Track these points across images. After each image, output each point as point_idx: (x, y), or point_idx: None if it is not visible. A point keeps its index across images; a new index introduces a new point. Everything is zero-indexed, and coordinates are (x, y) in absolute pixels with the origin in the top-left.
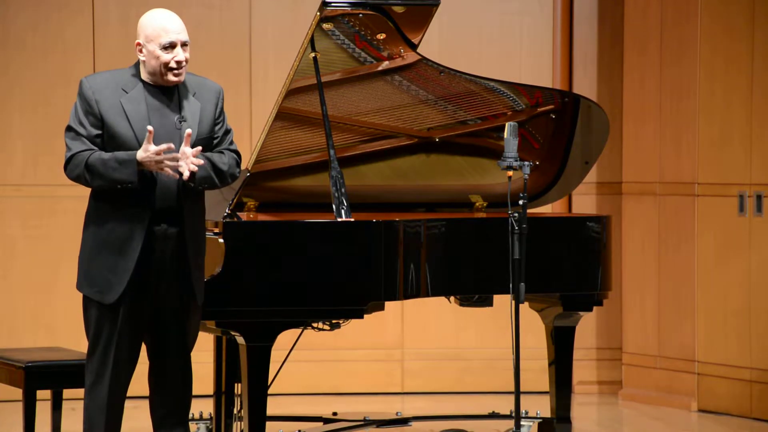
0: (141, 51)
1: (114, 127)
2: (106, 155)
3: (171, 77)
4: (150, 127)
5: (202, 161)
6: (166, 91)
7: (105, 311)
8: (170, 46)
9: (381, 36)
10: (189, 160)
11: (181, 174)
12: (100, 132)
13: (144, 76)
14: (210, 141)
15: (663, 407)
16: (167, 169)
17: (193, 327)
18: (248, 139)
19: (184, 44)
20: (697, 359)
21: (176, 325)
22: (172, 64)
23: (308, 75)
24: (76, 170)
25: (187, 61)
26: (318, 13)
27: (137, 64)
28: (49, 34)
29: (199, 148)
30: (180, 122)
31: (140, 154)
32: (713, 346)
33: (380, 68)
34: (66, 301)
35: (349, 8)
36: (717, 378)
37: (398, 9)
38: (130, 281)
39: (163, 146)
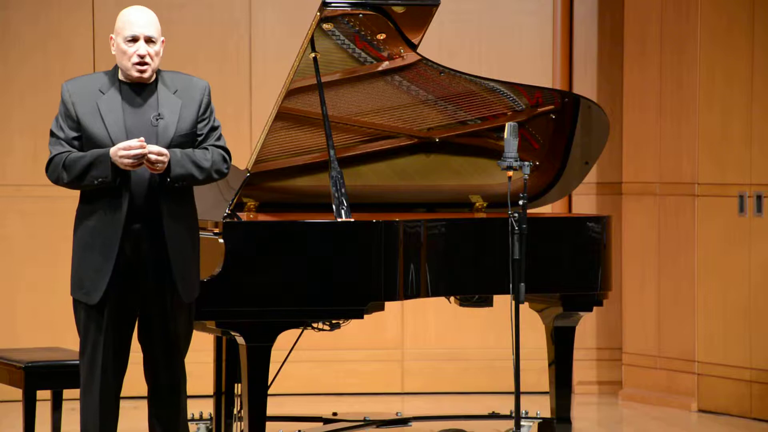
0: (113, 45)
1: (90, 128)
2: (81, 154)
3: (134, 72)
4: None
5: (157, 151)
6: (144, 89)
7: (91, 313)
8: (132, 40)
9: (381, 36)
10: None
11: (156, 172)
12: (78, 134)
13: (121, 75)
14: (192, 138)
15: (663, 407)
16: (128, 165)
17: (182, 327)
18: (248, 139)
19: (148, 39)
20: (697, 359)
21: (163, 325)
22: (134, 58)
23: (308, 75)
24: (55, 172)
25: (151, 57)
26: (318, 13)
27: (116, 66)
28: (49, 31)
29: (142, 138)
30: (156, 119)
31: (112, 150)
32: (713, 346)
33: (380, 68)
34: (66, 301)
35: (349, 8)
36: (717, 378)
37: (398, 9)
38: (111, 281)
39: (133, 142)
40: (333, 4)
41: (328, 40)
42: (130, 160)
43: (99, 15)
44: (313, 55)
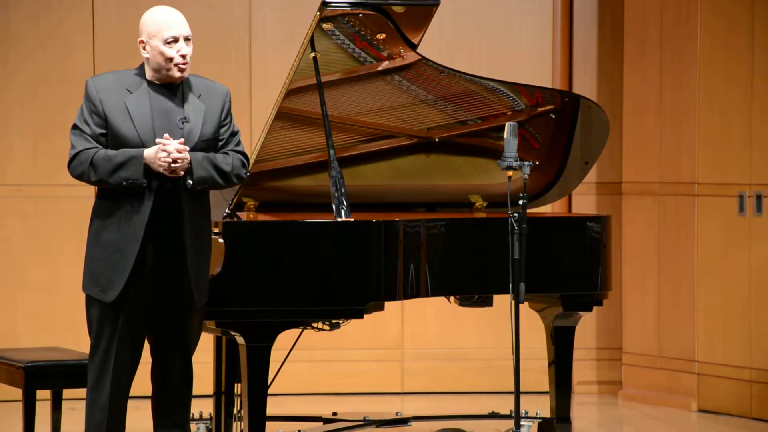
0: (144, 48)
1: (117, 126)
2: (112, 152)
3: (176, 72)
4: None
5: (185, 150)
6: (171, 91)
7: (106, 311)
8: (173, 40)
9: (381, 36)
10: (173, 155)
11: (182, 175)
12: (104, 131)
13: (149, 75)
14: (214, 143)
15: (663, 407)
16: (166, 169)
17: (194, 328)
18: (248, 139)
19: (186, 38)
20: (697, 359)
21: (176, 325)
22: (177, 59)
23: (308, 75)
24: (80, 167)
25: (189, 56)
26: (318, 13)
27: (142, 65)
28: (49, 31)
29: (182, 140)
30: (182, 123)
31: (147, 153)
32: (713, 346)
33: (380, 68)
34: (66, 301)
35: (349, 8)
36: (717, 378)
37: (398, 9)
38: (129, 280)
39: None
40: (333, 4)
41: (328, 40)
42: (168, 162)
43: (99, 15)
44: (313, 54)
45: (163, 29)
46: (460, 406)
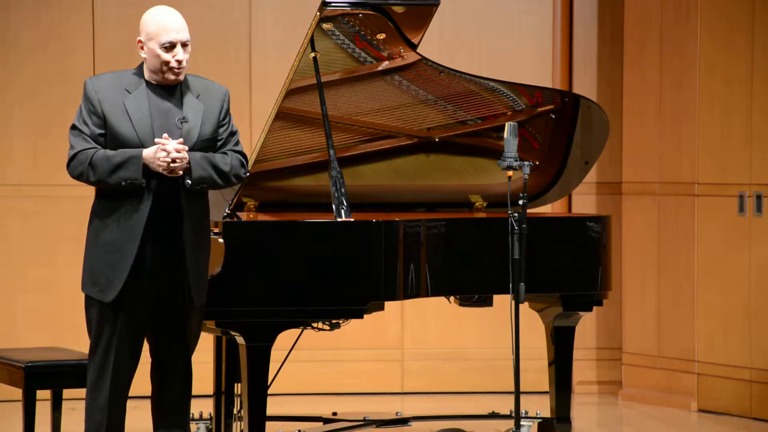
0: (142, 48)
1: (116, 126)
2: (111, 152)
3: (170, 76)
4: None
5: (184, 149)
6: (170, 91)
7: (105, 311)
8: (170, 46)
9: (381, 36)
10: (172, 155)
11: (181, 174)
12: (103, 131)
13: (147, 75)
14: (213, 142)
15: (663, 407)
16: (163, 168)
17: (193, 328)
18: (248, 139)
19: (184, 44)
20: (697, 359)
21: (175, 325)
22: (173, 64)
23: (308, 75)
24: (79, 168)
25: (186, 61)
26: (318, 13)
27: (141, 65)
28: (49, 31)
29: (181, 140)
30: (181, 123)
31: (146, 152)
32: (713, 346)
33: (380, 68)
34: (66, 301)
35: (349, 8)
36: (717, 378)
37: (398, 9)
38: (128, 279)
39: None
40: (333, 4)
41: (328, 40)
42: (167, 161)
43: (99, 15)
44: (313, 54)
45: (161, 33)
46: (460, 406)
